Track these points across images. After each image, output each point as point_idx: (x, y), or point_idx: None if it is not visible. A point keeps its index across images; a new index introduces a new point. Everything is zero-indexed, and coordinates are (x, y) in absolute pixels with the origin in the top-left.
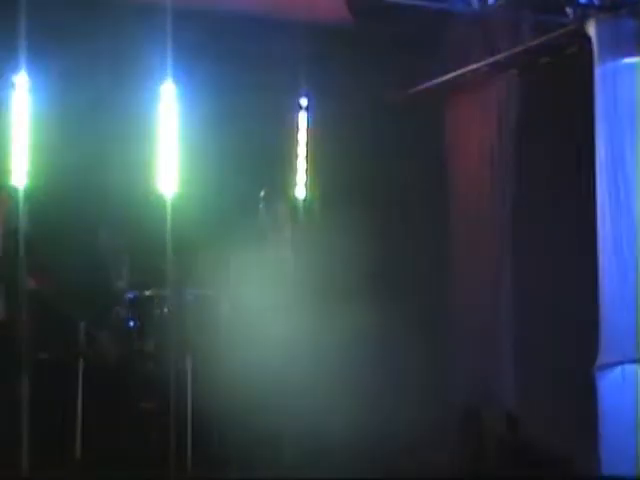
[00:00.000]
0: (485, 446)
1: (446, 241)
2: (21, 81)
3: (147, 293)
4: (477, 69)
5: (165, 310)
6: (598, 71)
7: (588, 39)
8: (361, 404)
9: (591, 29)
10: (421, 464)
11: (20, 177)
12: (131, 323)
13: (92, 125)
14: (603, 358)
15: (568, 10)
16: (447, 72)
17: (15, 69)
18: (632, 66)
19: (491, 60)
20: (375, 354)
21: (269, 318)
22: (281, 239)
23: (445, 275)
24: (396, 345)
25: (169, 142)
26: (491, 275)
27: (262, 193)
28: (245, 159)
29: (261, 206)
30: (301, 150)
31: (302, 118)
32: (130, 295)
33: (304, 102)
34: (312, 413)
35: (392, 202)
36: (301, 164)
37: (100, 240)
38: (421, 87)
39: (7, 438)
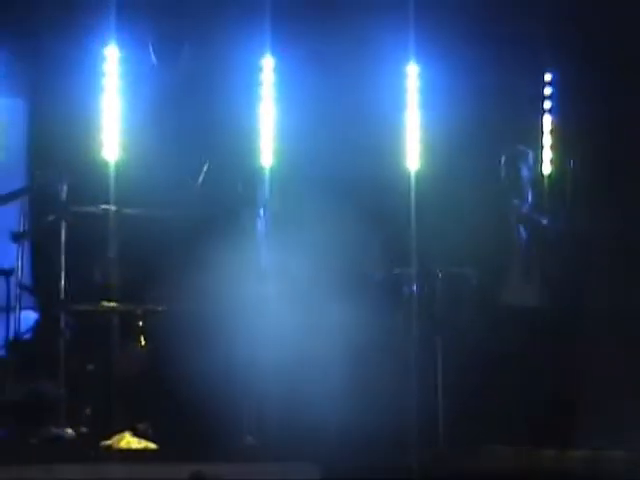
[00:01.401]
0: None
1: None
2: (267, 64)
3: (395, 272)
4: None
5: (413, 289)
6: None
7: None
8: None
9: None
10: None
11: (267, 158)
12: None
13: (337, 107)
14: None
15: None
16: None
17: (261, 52)
18: None
19: None
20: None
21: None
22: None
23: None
24: None
25: (411, 123)
26: None
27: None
28: (484, 135)
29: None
30: (547, 124)
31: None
32: (378, 274)
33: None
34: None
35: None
36: (547, 139)
37: (345, 221)
38: None
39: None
